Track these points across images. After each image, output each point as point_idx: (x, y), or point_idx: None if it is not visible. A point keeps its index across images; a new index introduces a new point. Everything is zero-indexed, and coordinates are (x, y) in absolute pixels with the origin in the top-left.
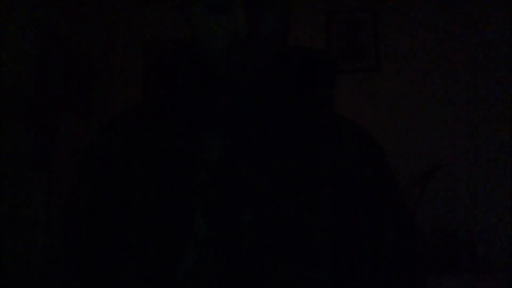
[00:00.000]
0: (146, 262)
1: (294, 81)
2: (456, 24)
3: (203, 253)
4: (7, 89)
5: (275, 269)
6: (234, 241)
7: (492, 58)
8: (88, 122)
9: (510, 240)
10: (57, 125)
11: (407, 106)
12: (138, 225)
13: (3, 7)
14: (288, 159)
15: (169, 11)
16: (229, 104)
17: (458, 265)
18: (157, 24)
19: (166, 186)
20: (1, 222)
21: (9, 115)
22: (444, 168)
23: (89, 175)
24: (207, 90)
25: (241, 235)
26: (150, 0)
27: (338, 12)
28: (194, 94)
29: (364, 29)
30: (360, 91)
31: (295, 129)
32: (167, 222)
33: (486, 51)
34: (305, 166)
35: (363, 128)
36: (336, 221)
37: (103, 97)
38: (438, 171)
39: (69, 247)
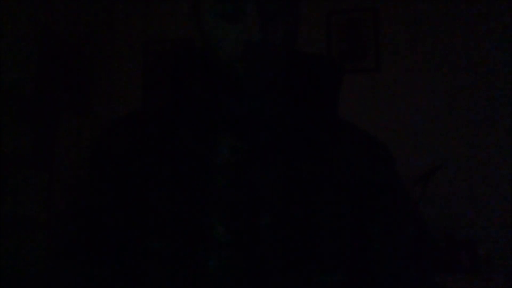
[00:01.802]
0: (165, 267)
1: (301, 86)
2: (456, 24)
3: (224, 258)
4: (7, 89)
5: (292, 273)
6: (253, 245)
7: (492, 58)
8: (88, 122)
9: (510, 240)
10: (57, 125)
11: (407, 106)
12: (155, 229)
13: (3, 7)
14: (299, 162)
15: (169, 10)
16: (239, 108)
17: (458, 265)
18: (157, 23)
19: (182, 190)
20: (1, 222)
21: (9, 115)
22: (444, 168)
23: (100, 172)
24: (217, 95)
25: (259, 239)
26: (150, 0)
27: (338, 12)
28: (205, 98)
29: (364, 29)
30: (360, 91)
31: (304, 133)
32: (186, 226)
33: (486, 51)
34: (316, 169)
35: (367, 131)
36: (351, 223)
37: (103, 97)
38: (438, 171)
39: (77, 246)
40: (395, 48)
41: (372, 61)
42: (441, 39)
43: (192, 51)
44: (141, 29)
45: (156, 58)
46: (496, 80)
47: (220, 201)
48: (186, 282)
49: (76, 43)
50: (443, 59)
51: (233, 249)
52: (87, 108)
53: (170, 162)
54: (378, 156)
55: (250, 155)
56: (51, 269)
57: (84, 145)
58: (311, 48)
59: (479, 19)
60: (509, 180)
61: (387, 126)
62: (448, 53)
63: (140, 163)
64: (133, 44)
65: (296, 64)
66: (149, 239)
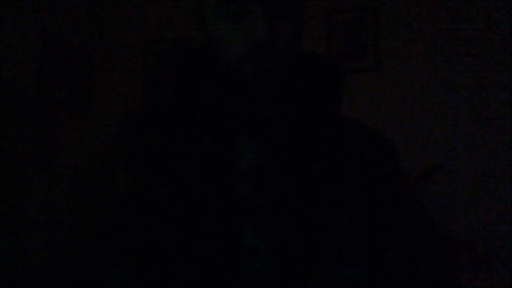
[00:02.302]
0: (197, 275)
1: (305, 86)
2: (456, 24)
3: (257, 264)
4: (7, 89)
5: (318, 271)
6: (284, 250)
7: (493, 58)
8: (88, 122)
9: (510, 240)
10: (57, 125)
11: (407, 106)
12: (185, 235)
13: (3, 8)
14: (313, 162)
15: (169, 10)
16: (253, 110)
17: (458, 265)
18: (157, 24)
19: (210, 195)
20: (1, 222)
21: (9, 115)
22: (444, 168)
23: (126, 168)
24: (229, 96)
25: (288, 243)
26: (150, 0)
27: (338, 12)
28: (218, 99)
29: (364, 29)
30: (360, 91)
31: (313, 132)
32: (217, 233)
33: (486, 51)
34: (330, 168)
35: (370, 126)
36: (368, 218)
37: (103, 97)
38: (438, 171)
39: (119, 245)
40: (395, 48)
41: (372, 61)
42: (441, 39)
43: (199, 50)
44: (141, 29)
45: (156, 58)
46: (496, 80)
47: (247, 207)
48: None
49: (76, 43)
50: (443, 59)
51: (265, 255)
52: (87, 108)
53: (193, 167)
54: (384, 149)
55: (269, 158)
56: (95, 270)
57: (84, 145)
58: (311, 47)
59: (479, 19)
60: (509, 180)
61: (387, 126)
62: (448, 53)
63: (165, 164)
64: (133, 44)
65: (300, 64)
66: (178, 245)
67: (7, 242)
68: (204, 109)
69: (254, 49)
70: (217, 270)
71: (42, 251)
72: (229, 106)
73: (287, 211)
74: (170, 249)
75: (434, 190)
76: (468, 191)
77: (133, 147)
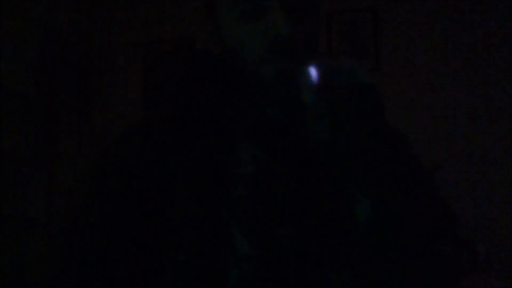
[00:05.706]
0: (185, 280)
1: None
2: (456, 24)
3: (245, 270)
4: (7, 89)
5: (306, 279)
6: (274, 257)
7: (492, 58)
8: (88, 122)
9: (510, 240)
10: (57, 125)
11: (407, 106)
12: (174, 241)
13: (3, 7)
14: (315, 170)
15: (169, 10)
16: (259, 115)
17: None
18: (157, 24)
19: (201, 200)
20: (1, 222)
21: (9, 115)
22: (444, 168)
23: (112, 185)
24: (236, 101)
25: (280, 251)
26: (150, 0)
27: (338, 12)
28: (223, 105)
29: (364, 29)
30: None
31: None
32: (206, 238)
33: (486, 51)
34: (331, 176)
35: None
36: (365, 227)
37: (103, 97)
38: (438, 171)
39: (81, 258)
40: (395, 48)
41: (372, 61)
42: (441, 39)
43: (207, 54)
44: (141, 29)
45: (156, 58)
46: (496, 79)
47: (241, 212)
48: None
49: (76, 43)
50: (443, 59)
51: (255, 262)
52: (87, 108)
53: (188, 172)
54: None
55: (270, 164)
56: (51, 273)
57: (84, 145)
58: None
59: (479, 19)
60: (509, 180)
61: None
62: (448, 53)
63: (158, 173)
64: (133, 44)
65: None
66: (167, 252)
67: (7, 242)
68: (210, 114)
69: (275, 45)
70: (205, 274)
71: (42, 251)
72: (233, 110)
73: (280, 219)
74: (158, 251)
75: None
76: (468, 191)
77: (123, 162)
